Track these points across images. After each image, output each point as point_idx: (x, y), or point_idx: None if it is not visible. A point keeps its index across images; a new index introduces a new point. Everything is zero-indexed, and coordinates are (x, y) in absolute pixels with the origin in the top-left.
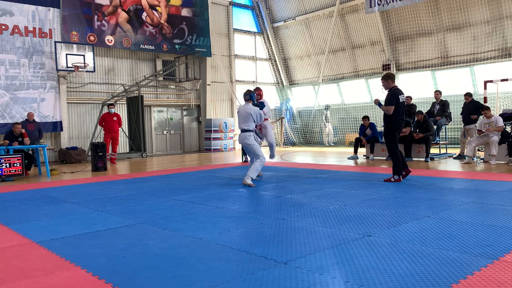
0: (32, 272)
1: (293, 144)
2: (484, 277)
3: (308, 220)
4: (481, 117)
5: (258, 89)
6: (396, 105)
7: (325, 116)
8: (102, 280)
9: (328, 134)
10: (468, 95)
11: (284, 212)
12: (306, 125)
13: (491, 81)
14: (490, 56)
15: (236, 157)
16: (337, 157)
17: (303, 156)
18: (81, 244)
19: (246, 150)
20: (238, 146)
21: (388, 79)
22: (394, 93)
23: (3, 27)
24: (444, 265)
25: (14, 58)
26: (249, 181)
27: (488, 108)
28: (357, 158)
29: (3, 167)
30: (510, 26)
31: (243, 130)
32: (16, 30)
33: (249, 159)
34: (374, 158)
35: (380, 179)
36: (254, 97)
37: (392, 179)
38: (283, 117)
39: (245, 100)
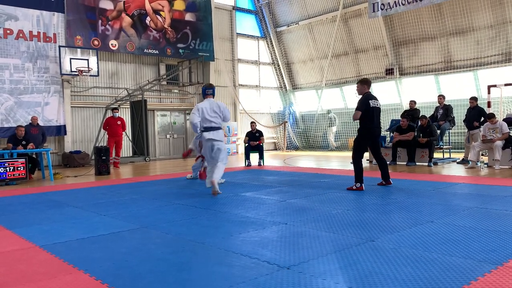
0: (35, 276)
1: (296, 148)
2: (488, 283)
3: (311, 225)
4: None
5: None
6: (367, 111)
7: (331, 120)
8: (105, 284)
9: (331, 138)
10: (473, 99)
11: (287, 217)
12: (309, 129)
13: (494, 86)
14: (494, 60)
15: (239, 161)
16: (340, 161)
17: (306, 160)
18: (84, 248)
19: (206, 149)
20: (241, 150)
21: (364, 84)
22: (364, 98)
23: (8, 31)
24: (448, 271)
25: (18, 62)
26: (217, 185)
27: (493, 116)
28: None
29: (7, 171)
30: None
31: (210, 128)
32: (21, 35)
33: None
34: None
35: None
36: (214, 92)
37: (354, 187)
38: (286, 121)
39: (208, 94)
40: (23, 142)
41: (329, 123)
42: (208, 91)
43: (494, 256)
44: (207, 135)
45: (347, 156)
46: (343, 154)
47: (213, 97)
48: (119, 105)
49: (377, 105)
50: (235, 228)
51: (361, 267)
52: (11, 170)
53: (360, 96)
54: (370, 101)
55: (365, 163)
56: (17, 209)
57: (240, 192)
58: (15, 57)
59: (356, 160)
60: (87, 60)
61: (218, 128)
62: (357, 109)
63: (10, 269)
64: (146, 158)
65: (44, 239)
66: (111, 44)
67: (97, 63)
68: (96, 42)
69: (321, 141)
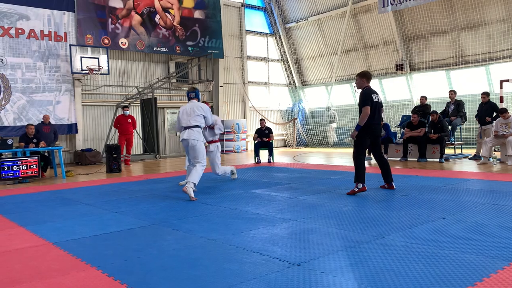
0: (48, 273)
1: (306, 145)
2: (501, 279)
3: (322, 221)
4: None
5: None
6: (372, 106)
7: (330, 117)
8: (117, 281)
9: (331, 134)
10: (485, 94)
11: (297, 214)
12: (319, 126)
13: (507, 80)
14: (506, 55)
15: (249, 158)
16: (350, 158)
17: (316, 157)
18: (96, 245)
19: (187, 150)
20: (251, 147)
21: (363, 77)
22: (367, 93)
23: (20, 31)
24: (460, 267)
25: (30, 61)
26: (191, 191)
27: (506, 111)
28: (371, 159)
29: (20, 169)
30: None
31: (189, 127)
32: (32, 34)
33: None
34: (388, 159)
35: (395, 180)
36: (199, 95)
37: (356, 189)
38: (296, 118)
39: (190, 98)
40: (34, 140)
41: (329, 120)
42: (190, 94)
43: (506, 253)
44: (182, 134)
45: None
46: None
47: (198, 100)
48: (129, 103)
49: (378, 99)
50: (246, 225)
51: (372, 264)
52: (24, 168)
53: (360, 91)
54: (373, 95)
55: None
56: (30, 206)
57: (250, 189)
58: (26, 56)
59: (356, 157)
60: (98, 58)
61: (195, 127)
62: (364, 104)
63: (24, 265)
64: (157, 156)
65: (57, 236)
66: (121, 42)
67: (108, 61)
68: (106, 41)
69: (331, 138)
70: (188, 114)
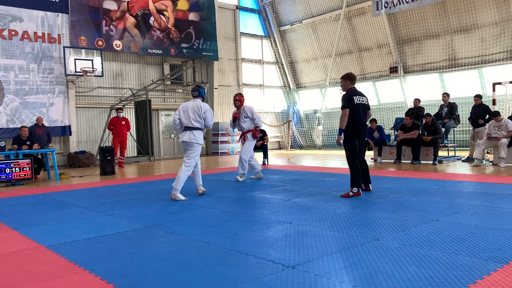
0: (41, 276)
1: (300, 147)
2: (494, 282)
3: (316, 224)
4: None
5: (241, 95)
6: (351, 108)
7: (318, 120)
8: (111, 284)
9: (317, 136)
10: (478, 96)
11: (292, 216)
12: (314, 128)
13: (499, 83)
14: (499, 58)
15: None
16: (345, 160)
17: (310, 159)
18: (90, 248)
19: (185, 149)
20: None
21: (347, 80)
22: (348, 95)
23: (13, 32)
24: (453, 269)
25: (23, 63)
26: (178, 195)
27: (498, 114)
28: None
29: (13, 171)
30: None
31: (187, 128)
32: (26, 36)
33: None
34: (382, 161)
35: (389, 182)
36: (203, 93)
37: (351, 193)
38: (290, 120)
39: (193, 96)
40: (28, 143)
41: (317, 122)
42: (193, 93)
43: (500, 255)
44: (182, 136)
45: None
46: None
47: (202, 99)
48: (123, 105)
49: (363, 101)
50: (240, 227)
51: (366, 266)
52: (17, 171)
53: (344, 93)
54: (354, 97)
55: (369, 161)
56: (23, 209)
57: (245, 191)
58: (20, 58)
59: (349, 160)
60: (92, 60)
61: (197, 129)
62: (343, 107)
63: (16, 269)
64: (151, 158)
65: (50, 239)
66: (115, 44)
67: (102, 63)
68: (100, 43)
69: (325, 140)
70: (189, 114)
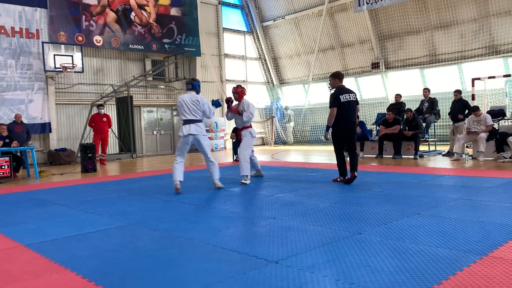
0: (21, 276)
1: (284, 143)
2: (473, 273)
3: (299, 219)
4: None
5: (239, 86)
6: (338, 106)
7: (289, 116)
8: (92, 283)
9: (288, 133)
10: (458, 92)
11: (275, 211)
12: (297, 124)
13: (478, 79)
14: (478, 53)
15: (227, 157)
16: (328, 155)
17: (294, 155)
18: (70, 247)
19: (185, 145)
20: (229, 146)
21: (336, 78)
22: (335, 94)
23: None
24: (434, 262)
25: (0, 59)
26: (219, 184)
27: (478, 109)
28: (347, 157)
29: None
30: (497, 23)
31: (190, 121)
32: (2, 31)
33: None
34: (364, 156)
35: (371, 176)
36: (198, 86)
37: (339, 179)
38: (274, 116)
39: (187, 89)
40: (6, 140)
41: (287, 119)
42: (187, 86)
43: (479, 247)
44: (186, 129)
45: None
46: (331, 148)
47: (196, 92)
48: (104, 102)
49: (350, 98)
50: (223, 223)
51: (349, 260)
52: None
53: (332, 92)
54: (340, 96)
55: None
56: (2, 208)
57: (228, 187)
58: None
59: (336, 153)
60: (71, 56)
61: (198, 121)
62: (331, 106)
63: None
64: (133, 155)
65: (29, 238)
66: (96, 40)
67: (82, 59)
68: (80, 38)
69: (309, 136)
70: (189, 107)
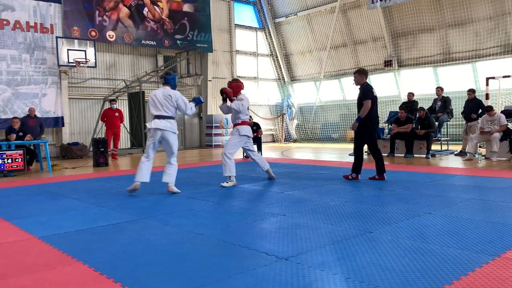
0: (34, 267)
1: (294, 140)
2: (485, 274)
3: (309, 216)
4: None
5: (236, 80)
6: (372, 99)
7: (294, 114)
8: (104, 275)
9: (291, 130)
10: (471, 91)
11: (285, 208)
12: (307, 121)
13: (493, 78)
14: (493, 52)
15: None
16: (338, 153)
17: (304, 152)
18: (83, 240)
19: (154, 141)
20: None
21: (362, 74)
22: (368, 87)
23: (5, 22)
24: (445, 262)
25: (15, 53)
26: (174, 189)
27: (492, 109)
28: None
29: (5, 162)
30: None
31: (160, 117)
32: (18, 26)
33: (253, 156)
34: None
35: None
36: (172, 80)
37: (350, 177)
38: (284, 113)
39: (162, 83)
40: (20, 134)
41: (291, 117)
42: (162, 80)
43: (491, 248)
44: (153, 123)
45: (345, 149)
46: (342, 146)
47: (171, 87)
48: (117, 97)
49: (375, 94)
50: (234, 219)
51: (359, 258)
52: (9, 162)
53: (358, 86)
54: (372, 89)
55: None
56: (16, 200)
57: (238, 183)
58: (12, 48)
59: (357, 150)
60: (85, 51)
61: (170, 118)
62: (366, 98)
63: (9, 260)
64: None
65: (43, 231)
66: (109, 35)
67: (95, 54)
68: (93, 33)
69: (319, 133)
70: (160, 102)
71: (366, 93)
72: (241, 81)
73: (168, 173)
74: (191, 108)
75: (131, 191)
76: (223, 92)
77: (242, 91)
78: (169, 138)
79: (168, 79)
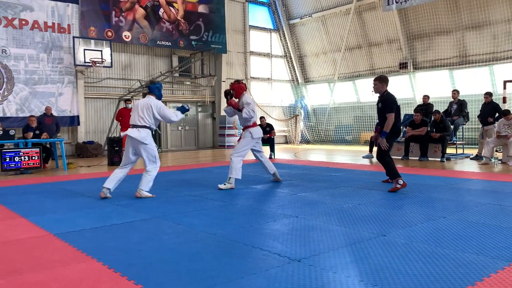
0: (49, 263)
1: (308, 141)
2: (501, 279)
3: (322, 218)
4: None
5: (238, 82)
6: (397, 110)
7: (301, 116)
8: (118, 273)
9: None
10: (488, 94)
11: (298, 210)
12: (321, 123)
13: (510, 81)
14: (510, 55)
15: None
16: (352, 155)
17: (317, 154)
18: (97, 237)
19: (136, 151)
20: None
21: (383, 82)
22: (392, 98)
23: (23, 22)
24: (460, 267)
25: (33, 52)
26: (143, 194)
27: (509, 113)
28: (372, 157)
29: (21, 160)
30: None
31: (134, 126)
32: (36, 25)
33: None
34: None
35: None
36: (156, 89)
37: (398, 185)
38: (298, 115)
39: (145, 94)
40: (37, 132)
41: (300, 119)
42: (144, 89)
43: (507, 253)
44: (129, 131)
45: (359, 151)
46: (355, 148)
47: (156, 96)
48: (132, 96)
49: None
50: (246, 220)
51: (372, 261)
52: (25, 159)
53: (378, 95)
54: (395, 100)
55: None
56: (32, 197)
57: (251, 184)
58: (30, 47)
59: (383, 156)
60: (101, 51)
61: (143, 127)
62: (390, 111)
63: (25, 256)
64: (158, 150)
65: (58, 228)
66: (125, 35)
67: (111, 54)
68: (109, 34)
69: (333, 135)
70: (138, 112)
71: (390, 105)
72: (254, 82)
73: (142, 179)
74: (176, 116)
75: (101, 197)
76: (227, 94)
77: (245, 93)
78: (139, 147)
79: (152, 88)
